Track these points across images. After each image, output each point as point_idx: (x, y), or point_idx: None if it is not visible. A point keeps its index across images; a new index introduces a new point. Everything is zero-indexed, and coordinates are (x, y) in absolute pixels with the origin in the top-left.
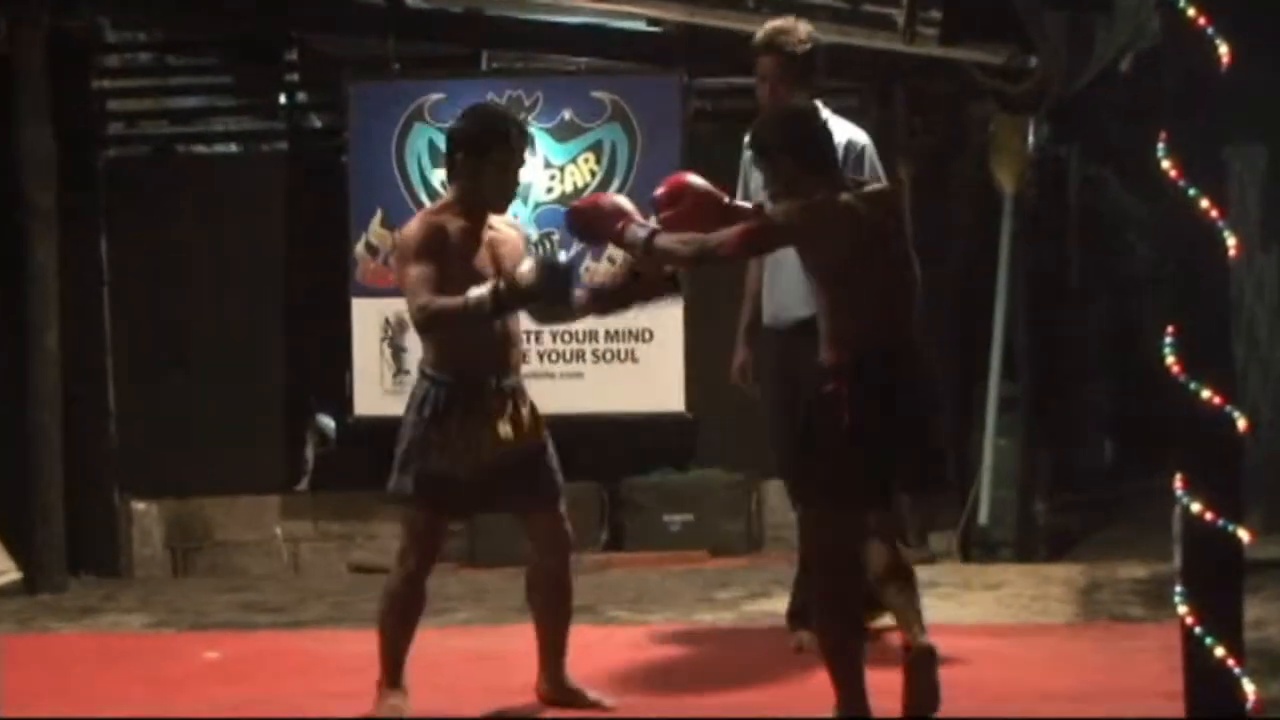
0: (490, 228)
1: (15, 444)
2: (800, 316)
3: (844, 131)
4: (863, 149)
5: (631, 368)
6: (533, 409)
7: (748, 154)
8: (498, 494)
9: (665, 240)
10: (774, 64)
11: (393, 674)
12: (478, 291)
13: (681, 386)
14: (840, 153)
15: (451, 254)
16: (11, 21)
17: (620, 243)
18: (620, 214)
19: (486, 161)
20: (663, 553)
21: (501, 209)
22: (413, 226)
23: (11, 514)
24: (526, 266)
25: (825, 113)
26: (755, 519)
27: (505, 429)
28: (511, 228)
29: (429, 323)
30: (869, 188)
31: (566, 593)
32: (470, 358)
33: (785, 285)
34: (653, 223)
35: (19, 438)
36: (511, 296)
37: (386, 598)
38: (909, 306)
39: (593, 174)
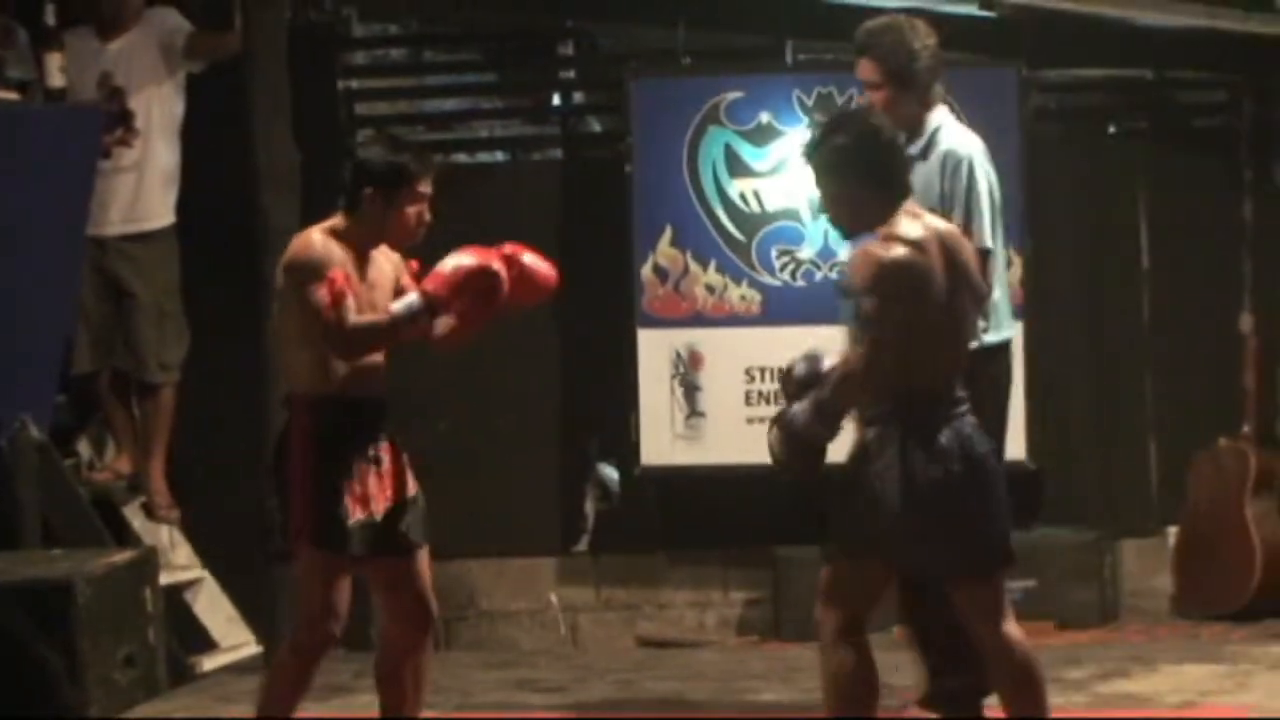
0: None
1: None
2: None
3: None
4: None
5: None
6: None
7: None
8: None
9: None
10: None
11: None
12: None
13: (1023, 429)
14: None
15: None
16: (248, 14)
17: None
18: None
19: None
20: None
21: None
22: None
23: (251, 579)
24: None
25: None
26: (1109, 585)
27: None
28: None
29: None
30: None
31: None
32: None
33: None
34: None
35: (255, 504)
36: None
37: None
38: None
39: None
